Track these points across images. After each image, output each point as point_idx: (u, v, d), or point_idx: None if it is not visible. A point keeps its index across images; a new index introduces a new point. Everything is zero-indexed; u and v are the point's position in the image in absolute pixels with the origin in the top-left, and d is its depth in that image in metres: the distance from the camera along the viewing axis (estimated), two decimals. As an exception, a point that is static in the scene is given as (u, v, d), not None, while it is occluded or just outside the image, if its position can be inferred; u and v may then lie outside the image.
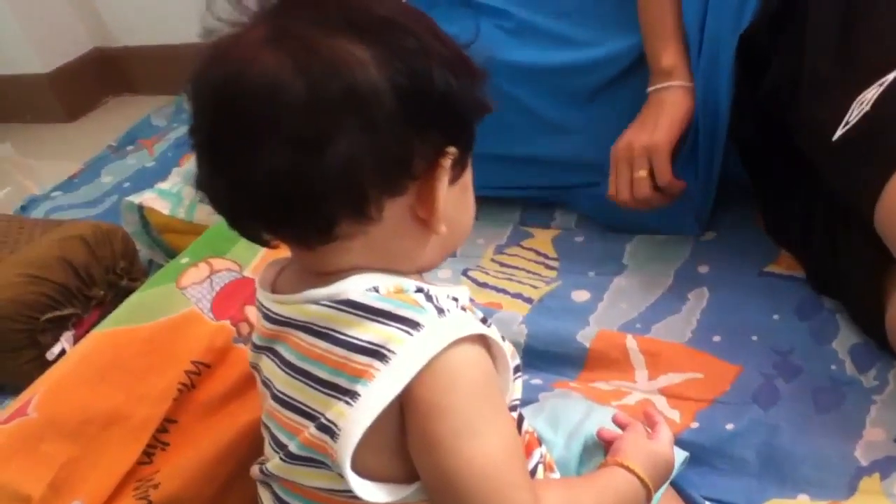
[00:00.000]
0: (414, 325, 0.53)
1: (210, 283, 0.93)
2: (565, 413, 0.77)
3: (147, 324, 0.89)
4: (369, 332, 0.53)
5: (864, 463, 0.77)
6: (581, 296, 1.07)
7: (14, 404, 0.83)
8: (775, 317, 0.96)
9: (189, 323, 0.89)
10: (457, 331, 0.53)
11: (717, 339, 0.95)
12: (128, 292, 1.21)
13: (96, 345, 0.88)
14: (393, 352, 0.52)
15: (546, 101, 1.15)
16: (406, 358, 0.52)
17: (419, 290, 0.56)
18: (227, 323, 0.89)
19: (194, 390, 0.84)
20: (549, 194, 1.25)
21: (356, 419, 0.52)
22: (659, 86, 1.05)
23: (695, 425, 0.83)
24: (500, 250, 1.20)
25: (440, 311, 0.54)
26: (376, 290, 0.55)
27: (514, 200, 1.27)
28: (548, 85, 1.15)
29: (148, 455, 0.79)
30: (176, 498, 0.76)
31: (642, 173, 1.01)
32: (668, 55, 1.04)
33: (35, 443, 0.77)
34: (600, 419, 0.73)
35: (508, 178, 1.21)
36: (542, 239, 1.21)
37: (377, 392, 0.51)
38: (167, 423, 0.81)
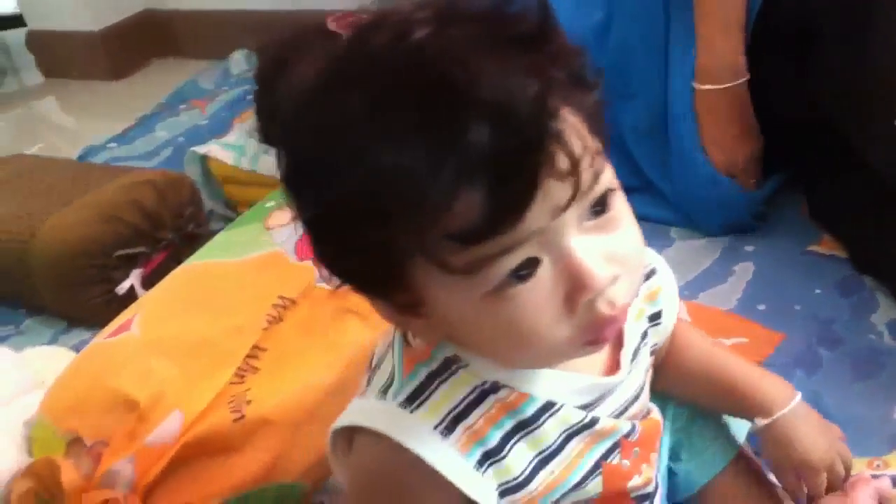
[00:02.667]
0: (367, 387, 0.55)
1: (294, 227, 0.98)
2: None
3: (236, 259, 0.95)
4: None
5: (902, 424, 0.83)
6: (631, 264, 1.13)
7: (117, 321, 0.89)
8: (817, 291, 1.02)
9: (275, 261, 0.95)
10: (381, 423, 0.50)
11: (761, 307, 1.01)
12: (193, 237, 1.27)
13: (190, 275, 0.94)
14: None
15: None
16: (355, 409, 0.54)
17: (445, 365, 0.51)
18: (310, 263, 0.95)
19: (282, 323, 0.90)
20: None
21: None
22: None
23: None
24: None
25: (410, 398, 0.50)
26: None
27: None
28: None
29: (240, 377, 0.85)
30: (267, 416, 0.81)
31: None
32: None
33: (139, 357, 0.83)
34: None
35: None
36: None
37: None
38: (258, 351, 0.87)
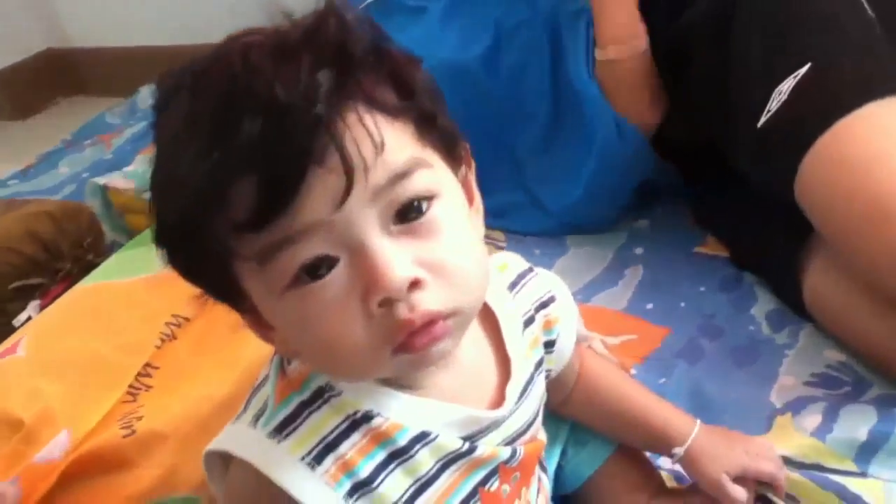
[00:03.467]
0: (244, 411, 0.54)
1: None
2: None
3: (129, 279, 0.95)
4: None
5: (778, 405, 0.88)
6: (528, 273, 1.17)
7: (3, 345, 0.87)
8: (701, 288, 1.07)
9: (168, 280, 0.94)
10: (249, 452, 0.50)
11: (649, 306, 1.06)
12: (93, 266, 1.25)
13: (81, 296, 0.93)
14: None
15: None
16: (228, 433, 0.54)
17: (317, 394, 0.51)
18: (205, 280, 0.96)
19: (176, 341, 0.90)
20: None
21: None
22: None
23: (633, 373, 0.93)
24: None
25: (279, 428, 0.50)
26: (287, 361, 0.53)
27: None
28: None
29: (132, 395, 0.85)
30: (158, 431, 0.80)
31: None
32: None
33: (25, 378, 0.82)
34: None
35: None
36: (490, 227, 1.30)
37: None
38: (150, 369, 0.87)
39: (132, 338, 0.89)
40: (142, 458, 0.79)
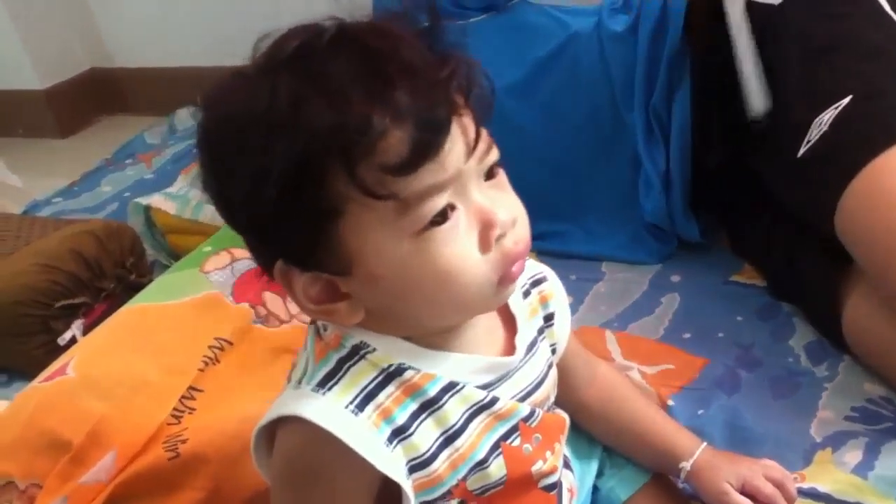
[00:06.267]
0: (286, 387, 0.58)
1: (231, 270, 1.01)
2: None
3: (173, 301, 0.97)
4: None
5: (818, 439, 0.87)
6: (563, 299, 1.17)
7: (54, 365, 0.90)
8: (739, 318, 1.07)
9: (212, 304, 0.97)
10: (295, 407, 0.53)
11: (686, 336, 1.06)
12: (135, 286, 1.28)
13: (128, 318, 0.95)
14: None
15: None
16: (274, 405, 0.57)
17: (354, 351, 0.56)
18: (247, 305, 0.98)
19: (218, 364, 0.91)
20: None
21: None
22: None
23: (670, 403, 0.93)
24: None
25: (322, 382, 0.55)
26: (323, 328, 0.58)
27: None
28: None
29: (176, 417, 0.86)
30: (201, 452, 0.82)
31: None
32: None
33: (74, 399, 0.84)
34: None
35: None
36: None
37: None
38: (194, 392, 0.89)
39: (177, 359, 0.90)
40: (186, 481, 0.81)
